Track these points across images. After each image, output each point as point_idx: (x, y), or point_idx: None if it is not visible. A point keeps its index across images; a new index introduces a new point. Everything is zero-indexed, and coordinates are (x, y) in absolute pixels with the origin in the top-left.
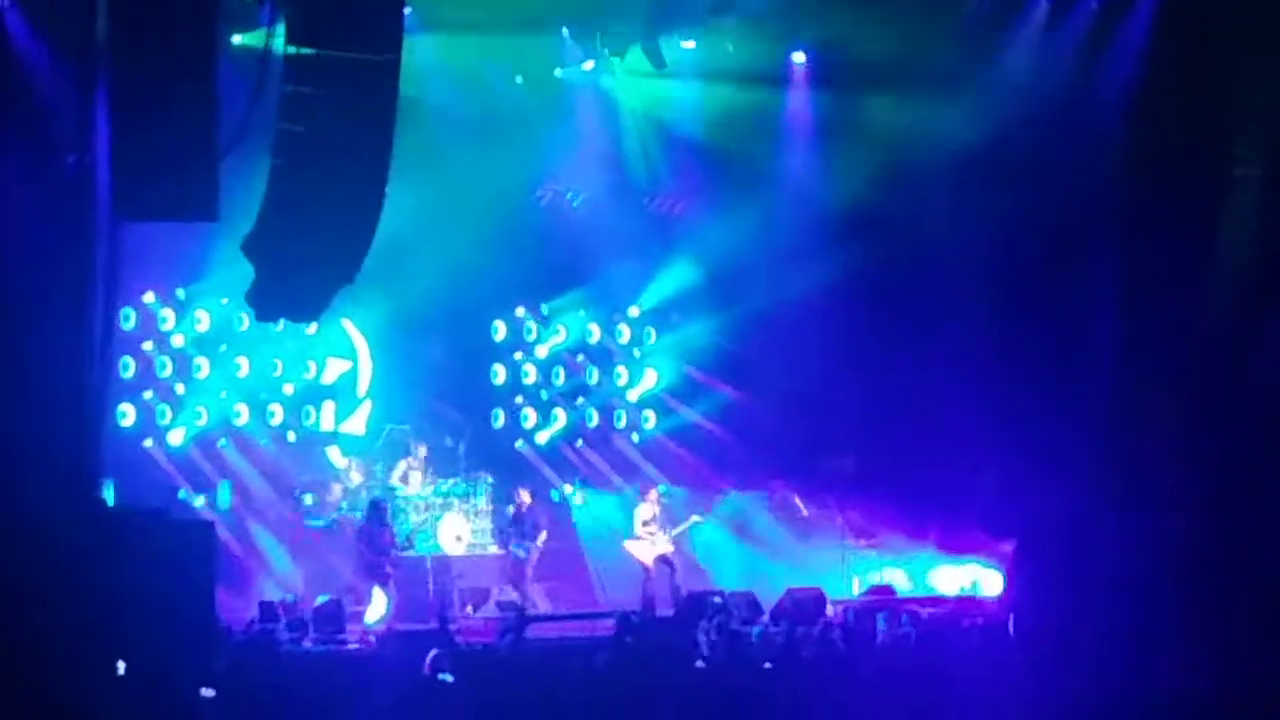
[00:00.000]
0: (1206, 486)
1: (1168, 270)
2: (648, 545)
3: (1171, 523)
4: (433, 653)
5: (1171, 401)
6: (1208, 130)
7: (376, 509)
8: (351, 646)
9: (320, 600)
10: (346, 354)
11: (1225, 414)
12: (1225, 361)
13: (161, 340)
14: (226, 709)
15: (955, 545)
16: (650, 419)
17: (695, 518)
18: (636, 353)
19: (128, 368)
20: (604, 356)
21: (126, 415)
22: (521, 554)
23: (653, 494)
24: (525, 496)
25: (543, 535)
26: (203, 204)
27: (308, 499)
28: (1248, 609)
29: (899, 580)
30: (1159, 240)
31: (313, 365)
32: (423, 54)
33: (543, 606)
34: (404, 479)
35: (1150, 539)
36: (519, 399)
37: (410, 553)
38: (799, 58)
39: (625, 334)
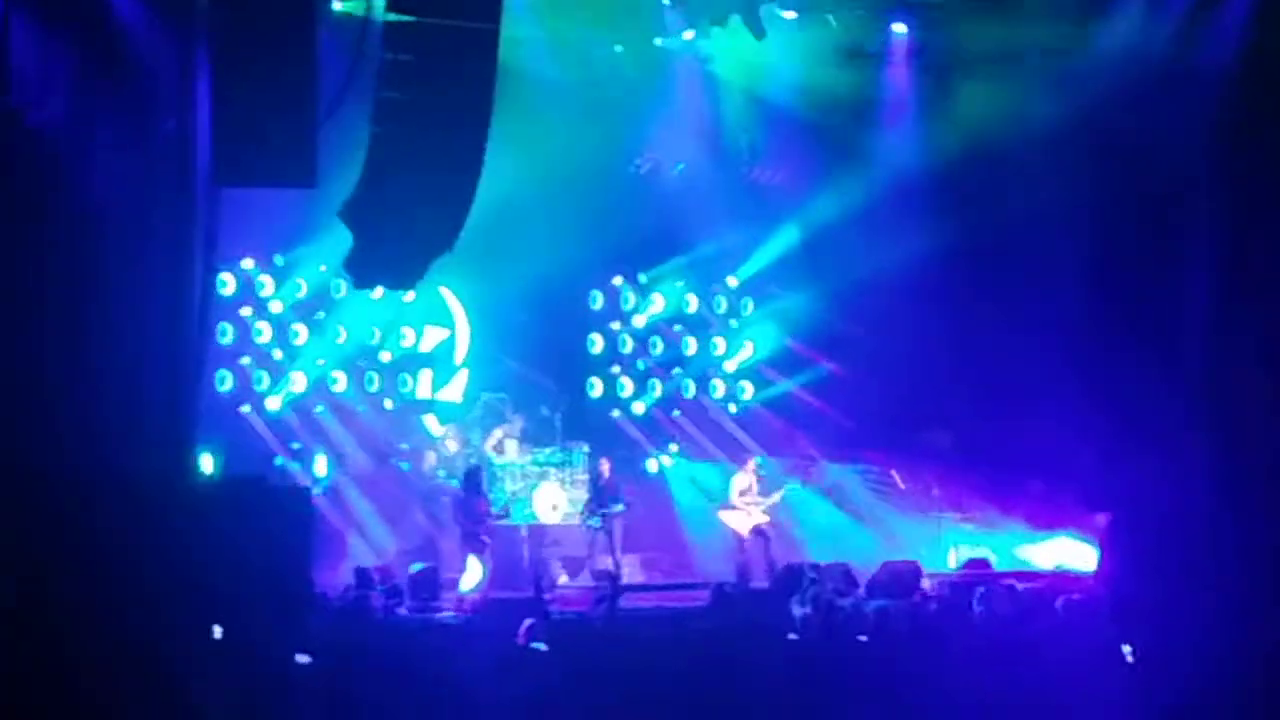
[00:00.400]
0: None
1: (1266, 245)
2: (743, 515)
3: (1270, 499)
4: (528, 622)
5: (1270, 378)
6: None
7: (472, 477)
8: (446, 614)
9: (415, 568)
10: (444, 322)
11: None
12: None
13: (260, 306)
14: (322, 675)
15: (1051, 520)
16: (747, 390)
17: (790, 489)
18: (734, 323)
19: (225, 333)
20: (701, 326)
21: (225, 381)
22: (595, 523)
23: (750, 464)
24: (604, 467)
25: (618, 506)
26: (301, 170)
27: (404, 466)
28: None
29: (994, 554)
30: (1258, 215)
31: (410, 333)
32: (522, 22)
33: (638, 576)
34: (499, 448)
35: (1247, 515)
36: (616, 368)
37: (506, 521)
38: (899, 28)
39: (723, 304)
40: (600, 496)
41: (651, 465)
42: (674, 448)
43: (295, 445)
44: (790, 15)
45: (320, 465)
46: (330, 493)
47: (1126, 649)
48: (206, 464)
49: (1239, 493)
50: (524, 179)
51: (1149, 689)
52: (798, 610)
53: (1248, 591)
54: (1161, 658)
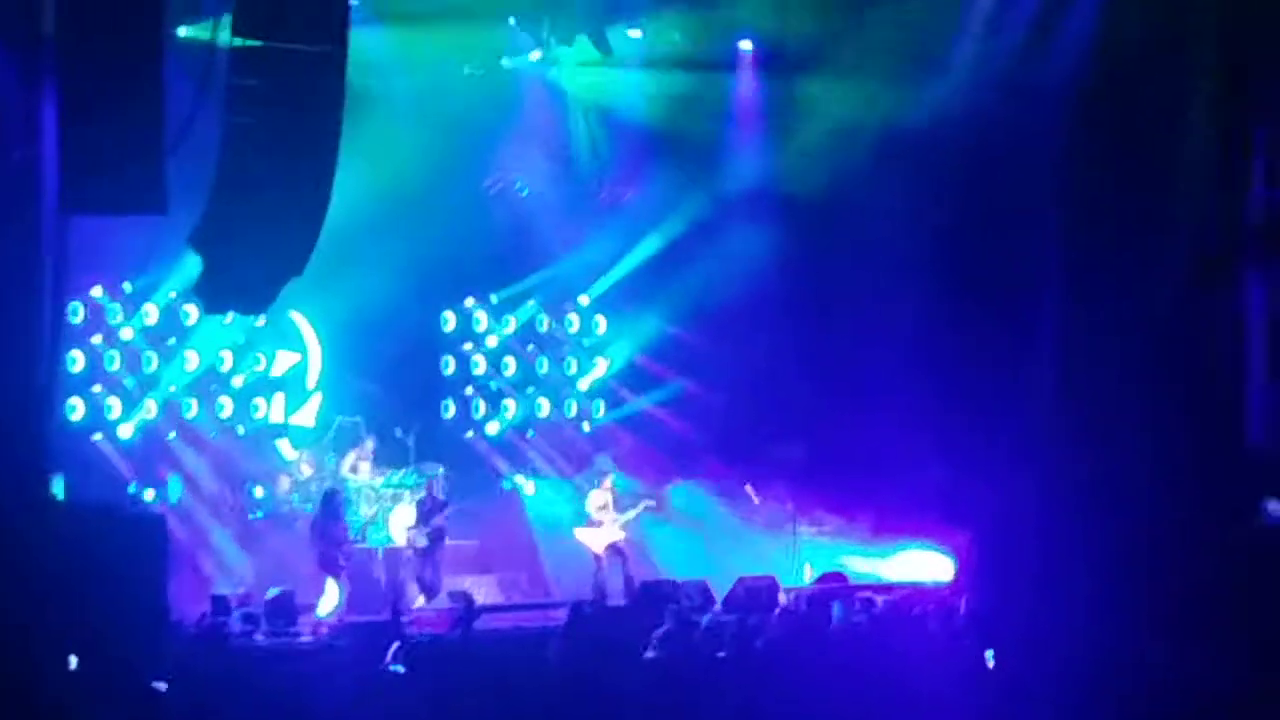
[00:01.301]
0: (1153, 476)
1: (1115, 256)
2: (599, 534)
3: (1123, 508)
4: (395, 645)
5: (1119, 388)
6: (1155, 113)
7: (330, 501)
8: (304, 639)
9: (272, 593)
10: (296, 346)
11: (1174, 401)
12: (1176, 348)
13: (110, 334)
14: (179, 702)
15: (905, 532)
16: (601, 408)
17: (646, 503)
18: (586, 342)
19: (76, 362)
20: (554, 346)
21: (76, 409)
22: (423, 542)
23: (605, 482)
24: (434, 488)
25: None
26: (150, 197)
27: (258, 492)
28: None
29: (850, 567)
30: (1105, 226)
31: (262, 358)
32: (370, 45)
33: (496, 597)
34: (354, 470)
35: (1101, 524)
36: (469, 389)
37: (362, 545)
38: (746, 45)
39: (575, 323)
40: (428, 516)
41: (505, 486)
42: (529, 469)
43: (147, 474)
44: (636, 34)
45: (173, 488)
46: (185, 517)
47: (989, 654)
48: (57, 492)
49: (1093, 501)
50: (374, 201)
51: (1009, 697)
52: (658, 629)
53: (1102, 599)
54: (1020, 666)
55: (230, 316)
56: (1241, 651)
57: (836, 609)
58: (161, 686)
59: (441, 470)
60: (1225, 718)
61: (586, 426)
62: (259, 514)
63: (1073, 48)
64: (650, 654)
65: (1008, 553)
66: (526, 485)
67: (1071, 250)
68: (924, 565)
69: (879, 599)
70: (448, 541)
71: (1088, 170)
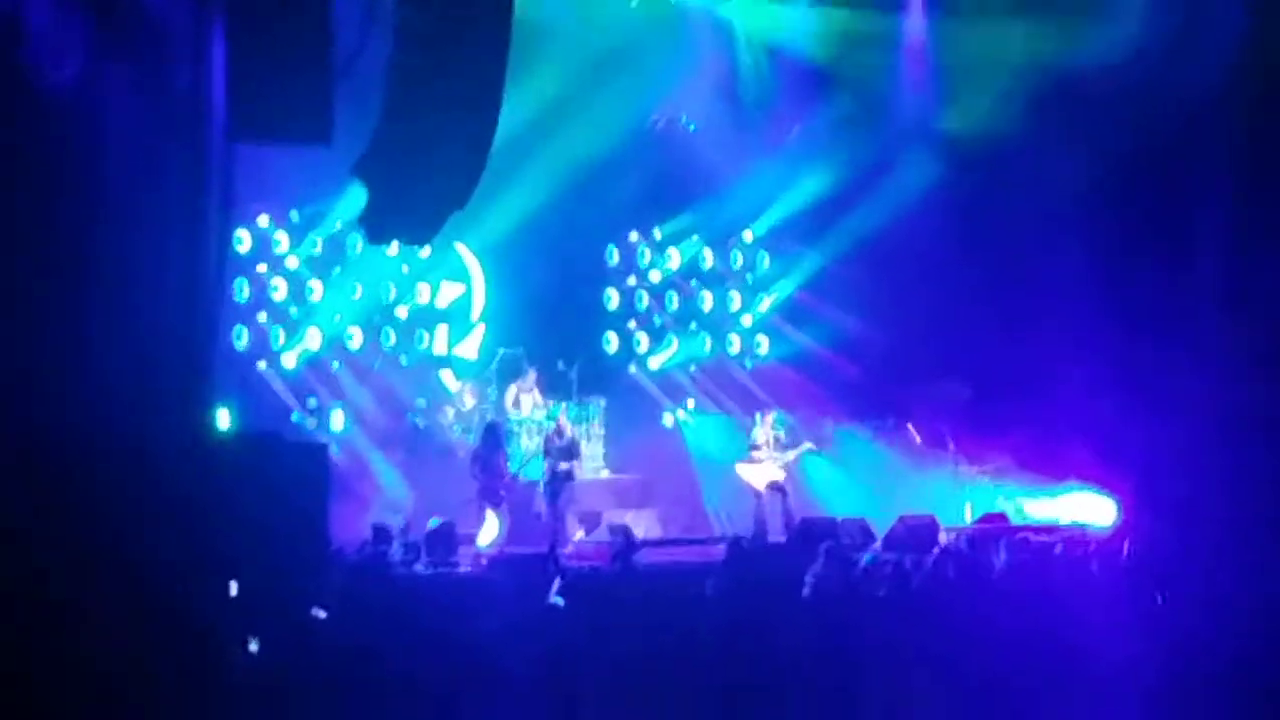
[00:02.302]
0: None
1: (1271, 208)
2: (760, 470)
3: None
4: (558, 581)
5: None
6: None
7: (491, 433)
8: (464, 570)
9: (433, 523)
10: (460, 278)
11: None
12: None
13: (275, 263)
14: (339, 630)
15: (1068, 473)
16: (764, 344)
17: (807, 444)
18: (750, 278)
19: (241, 290)
20: (717, 281)
21: (241, 337)
22: (536, 476)
23: (766, 419)
24: (562, 422)
25: (575, 464)
26: (316, 126)
27: (420, 422)
28: None
29: (1011, 507)
30: (1265, 175)
31: (426, 289)
32: None
33: (655, 532)
34: (516, 403)
35: (1259, 468)
36: (632, 323)
37: (523, 477)
38: None
39: (739, 259)
40: (556, 454)
41: (667, 420)
42: (690, 403)
43: (312, 402)
44: None
45: (337, 420)
46: (347, 447)
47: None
48: (223, 420)
49: (1263, 442)
50: (540, 135)
51: (1174, 641)
52: (815, 565)
53: (1261, 548)
54: (1186, 611)
55: (395, 247)
56: None
57: (1001, 547)
58: (321, 614)
59: (603, 403)
60: None
61: (749, 363)
62: (419, 422)
63: None
64: (807, 591)
65: (1173, 495)
66: (689, 420)
67: (1241, 188)
68: (1087, 507)
69: (1038, 539)
70: (606, 474)
71: (1260, 105)
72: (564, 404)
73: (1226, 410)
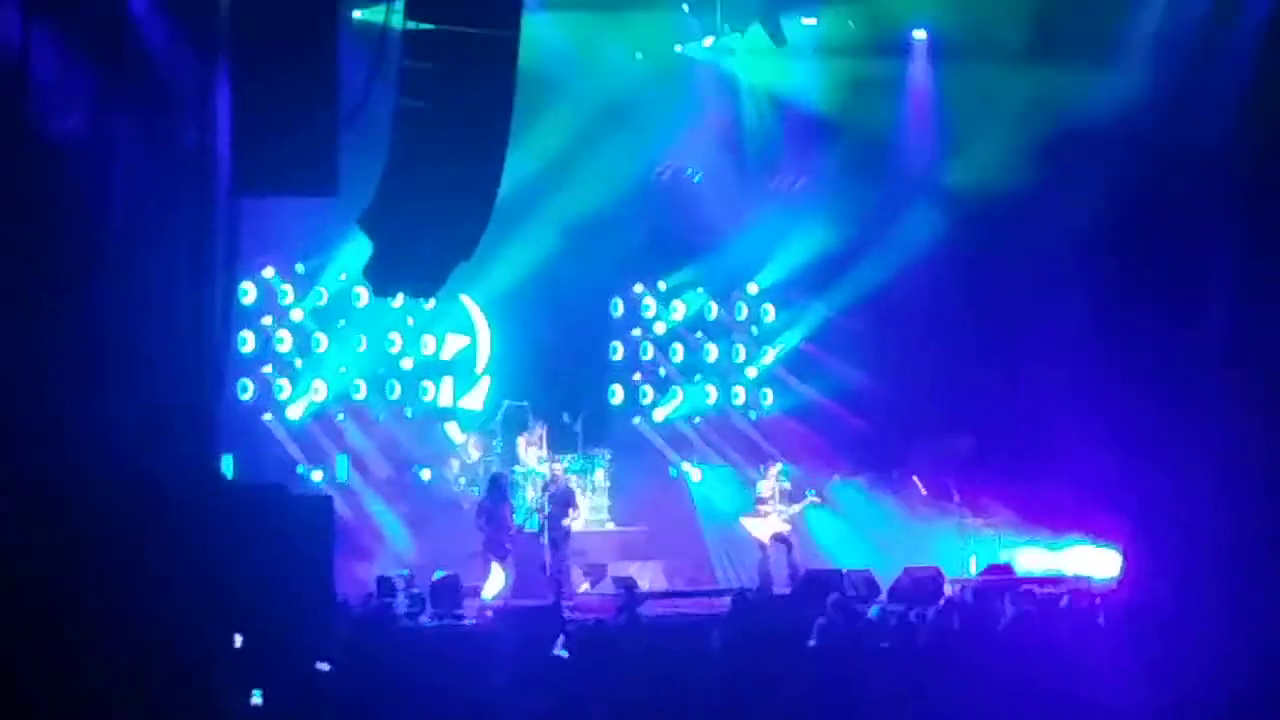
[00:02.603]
0: None
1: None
2: (765, 523)
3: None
4: (562, 637)
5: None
6: None
7: (496, 485)
8: (468, 622)
9: (438, 575)
10: (465, 330)
11: None
12: None
13: (281, 315)
14: (343, 683)
15: (1072, 526)
16: (768, 396)
17: (812, 497)
18: (755, 330)
19: (246, 342)
20: (722, 333)
21: (246, 389)
22: (534, 526)
23: (771, 471)
24: (557, 469)
25: (570, 513)
26: (322, 179)
27: (425, 474)
28: None
29: (1016, 560)
30: (1271, 227)
31: (431, 341)
32: (543, 30)
33: (660, 584)
34: (523, 454)
35: (1261, 521)
36: (637, 375)
37: (529, 529)
38: (919, 35)
39: (744, 311)
40: (553, 504)
41: (674, 473)
42: (695, 456)
43: (315, 455)
44: (810, 21)
45: (341, 467)
46: (351, 498)
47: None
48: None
49: (1255, 503)
50: (545, 186)
51: (1178, 694)
52: (821, 618)
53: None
54: (1188, 662)
55: (400, 299)
56: None
57: (1008, 599)
58: (325, 666)
59: (608, 455)
60: None
61: (753, 415)
62: (424, 474)
63: (1251, 35)
64: (813, 643)
65: (1176, 548)
66: (693, 472)
67: (1246, 243)
68: (1091, 560)
69: (1041, 592)
70: (611, 526)
71: (1265, 157)
72: (567, 456)
73: (1229, 463)
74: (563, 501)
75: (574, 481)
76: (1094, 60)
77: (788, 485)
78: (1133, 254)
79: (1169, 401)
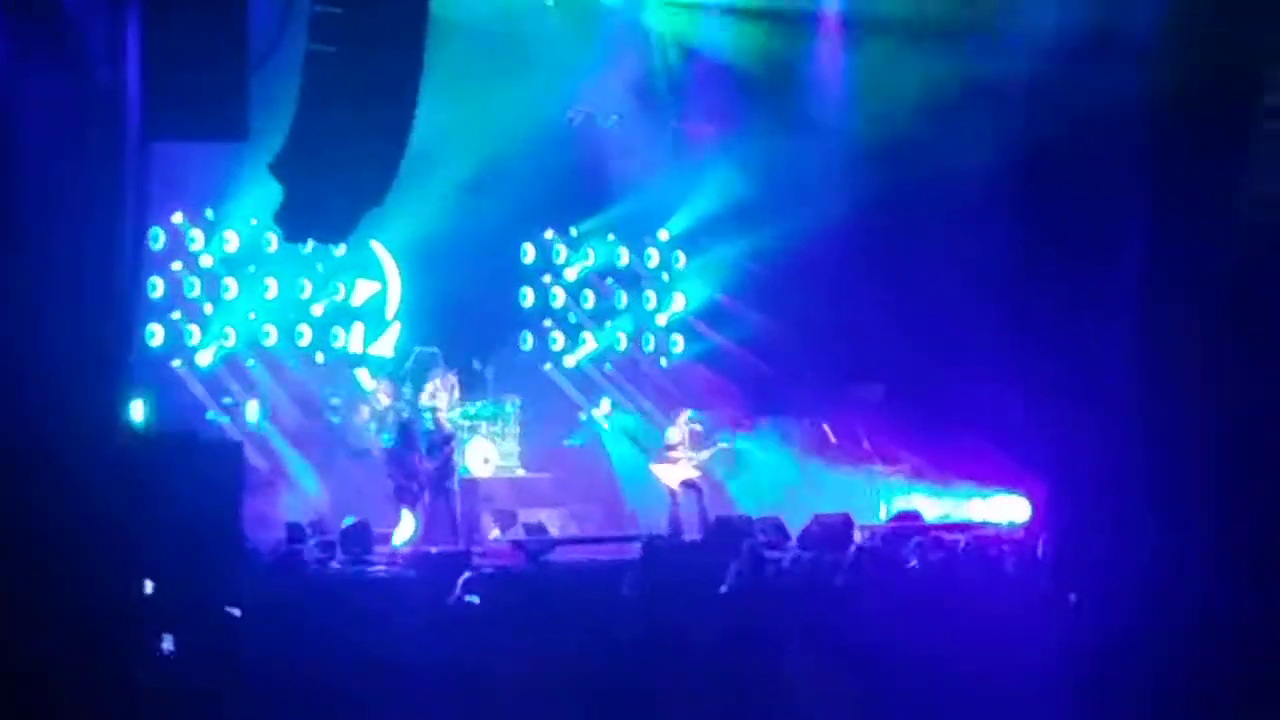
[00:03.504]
0: (1234, 421)
1: (1195, 205)
2: (675, 469)
3: (1198, 455)
4: (465, 575)
5: (1200, 338)
6: (1237, 58)
7: (405, 431)
8: (379, 568)
9: (348, 521)
10: (375, 276)
11: (1255, 352)
12: (1257, 298)
13: (190, 260)
14: (254, 627)
15: (981, 474)
16: (679, 343)
17: (721, 444)
18: (665, 276)
19: (156, 288)
20: (633, 280)
21: (155, 335)
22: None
23: (681, 417)
24: (441, 416)
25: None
26: (232, 124)
27: (335, 419)
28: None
29: (925, 507)
30: (1186, 174)
31: (341, 287)
32: None
33: (571, 530)
34: (433, 399)
35: (1178, 472)
36: (547, 322)
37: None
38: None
39: (654, 258)
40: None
41: (583, 419)
42: (606, 401)
43: (226, 400)
44: None
45: (251, 410)
46: (261, 444)
47: (1071, 596)
48: (138, 413)
49: (1169, 447)
50: (455, 132)
51: (1084, 638)
52: (734, 564)
53: (1177, 544)
54: (1095, 609)
55: (310, 245)
56: None
57: (912, 546)
58: (236, 612)
59: (518, 401)
60: None
61: (664, 362)
62: (336, 419)
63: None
64: (724, 589)
65: (1083, 496)
66: (603, 411)
67: (1154, 199)
68: (1000, 507)
69: (951, 538)
70: (521, 473)
71: (1170, 117)
72: (477, 402)
73: (1140, 408)
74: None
75: (484, 428)
76: (1000, 17)
77: (699, 429)
78: (1043, 204)
79: (1077, 352)
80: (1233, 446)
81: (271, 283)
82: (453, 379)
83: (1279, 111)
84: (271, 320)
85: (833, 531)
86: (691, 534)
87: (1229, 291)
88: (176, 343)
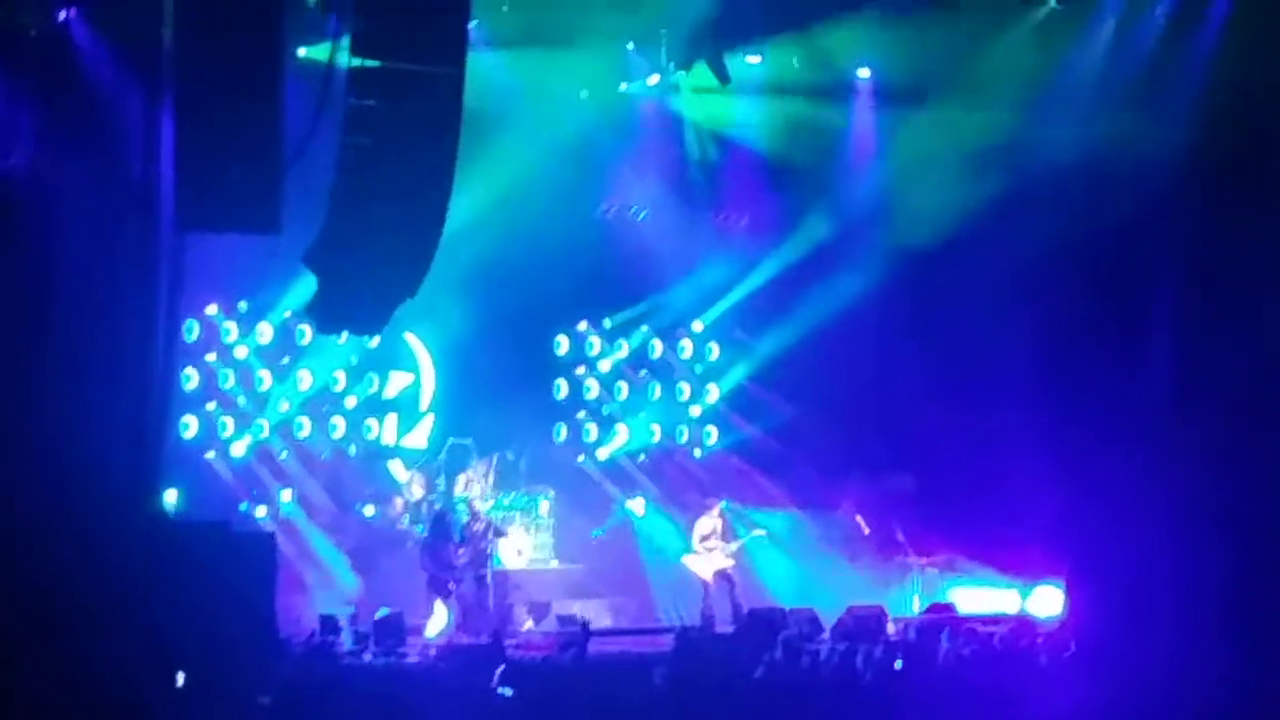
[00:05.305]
0: (1258, 509)
1: (1224, 297)
2: (707, 560)
3: (1226, 546)
4: (501, 668)
5: (1226, 428)
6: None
7: (440, 523)
8: (412, 660)
9: (381, 613)
10: (409, 367)
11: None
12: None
13: (224, 352)
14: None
15: (1015, 565)
16: (712, 434)
17: (756, 531)
18: (699, 368)
19: (190, 379)
20: (666, 371)
21: (189, 427)
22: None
23: (714, 508)
24: (477, 506)
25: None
26: (266, 216)
27: (369, 511)
28: None
29: (959, 599)
30: (1217, 265)
31: (375, 379)
32: (487, 68)
33: (604, 621)
34: (466, 490)
35: (1207, 562)
36: (581, 413)
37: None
38: (864, 73)
39: (688, 349)
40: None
41: (618, 511)
42: (640, 500)
43: (259, 493)
44: (755, 60)
45: (284, 504)
46: (295, 535)
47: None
48: (172, 501)
49: (1198, 542)
50: (489, 224)
51: None
52: (767, 655)
53: (1209, 637)
54: (1127, 702)
55: (344, 336)
56: None
57: (945, 636)
58: (266, 701)
59: (551, 493)
60: None
61: (698, 453)
62: (370, 511)
63: (1197, 63)
64: (757, 678)
65: (1121, 589)
66: (636, 508)
67: (1189, 277)
68: (1035, 599)
69: (985, 630)
70: (555, 565)
71: (1207, 194)
72: (510, 494)
73: (1175, 503)
74: (484, 535)
75: (518, 519)
76: (1034, 104)
77: (730, 522)
78: (1078, 294)
79: (1114, 441)
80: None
81: (305, 374)
82: (485, 469)
83: None
84: (305, 412)
85: (866, 623)
86: (724, 625)
87: (1267, 366)
88: (210, 434)
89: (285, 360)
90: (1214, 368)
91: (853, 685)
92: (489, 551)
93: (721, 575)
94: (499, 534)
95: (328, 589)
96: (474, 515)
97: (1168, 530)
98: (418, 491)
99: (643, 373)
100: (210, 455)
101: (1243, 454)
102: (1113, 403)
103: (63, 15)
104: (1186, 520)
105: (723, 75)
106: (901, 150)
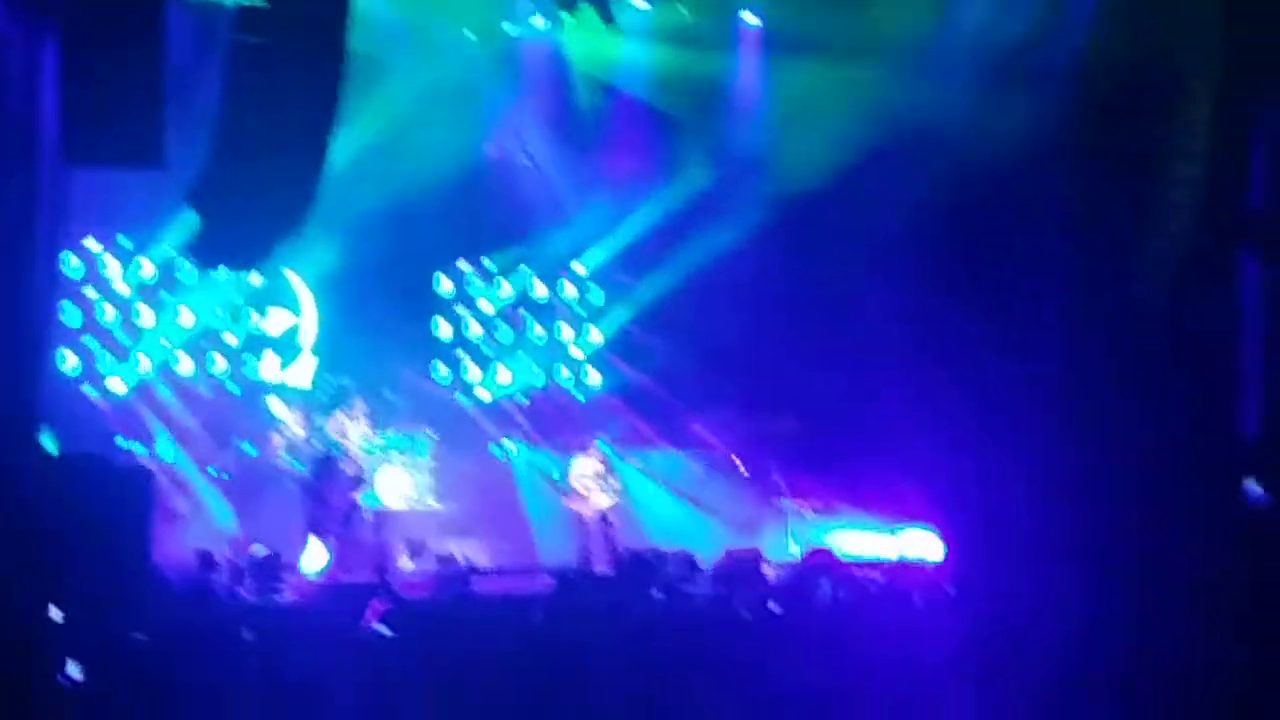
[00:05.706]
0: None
1: (1115, 243)
2: (586, 500)
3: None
4: (380, 606)
5: (1117, 377)
6: (1155, 100)
7: (320, 463)
8: (290, 597)
9: (259, 550)
10: (290, 305)
11: (1169, 391)
12: (1174, 337)
13: (104, 286)
14: (162, 654)
15: (894, 511)
16: (594, 376)
17: (634, 468)
18: (581, 310)
19: (69, 313)
20: (548, 312)
21: (67, 360)
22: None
23: (593, 450)
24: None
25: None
26: (149, 151)
27: (248, 448)
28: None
29: (837, 543)
30: (1105, 212)
31: (255, 315)
32: (372, 7)
33: (481, 562)
34: (342, 432)
35: (1090, 512)
36: (461, 352)
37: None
38: (750, 19)
39: (570, 290)
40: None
41: (496, 451)
42: (517, 434)
43: (137, 428)
44: (641, 3)
45: (163, 443)
46: (173, 472)
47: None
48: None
49: (1084, 489)
50: (373, 163)
51: (991, 676)
52: (643, 598)
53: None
54: (1004, 648)
55: (224, 273)
56: (1226, 633)
57: (823, 583)
58: (142, 638)
59: (429, 432)
60: (1210, 703)
61: (579, 394)
62: (247, 449)
63: (1074, 33)
64: (637, 618)
65: (997, 536)
66: (511, 446)
67: (1072, 238)
68: (912, 545)
69: (864, 575)
70: (433, 503)
71: (1087, 158)
72: (388, 432)
73: (1057, 450)
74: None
75: (396, 458)
76: (916, 60)
77: (611, 460)
78: (966, 237)
79: (998, 384)
80: (1150, 492)
81: (186, 311)
82: (361, 409)
83: (1196, 150)
84: (185, 348)
85: (743, 566)
86: (602, 566)
87: (1150, 330)
88: (88, 368)
89: (166, 296)
90: (1091, 313)
91: (731, 625)
92: (362, 490)
93: (600, 515)
94: (362, 480)
95: (203, 522)
96: (347, 454)
97: (1035, 485)
98: (297, 429)
99: (524, 313)
100: (88, 389)
101: (1105, 411)
102: (994, 344)
103: None
104: (1058, 478)
105: (606, 15)
106: (785, 99)
